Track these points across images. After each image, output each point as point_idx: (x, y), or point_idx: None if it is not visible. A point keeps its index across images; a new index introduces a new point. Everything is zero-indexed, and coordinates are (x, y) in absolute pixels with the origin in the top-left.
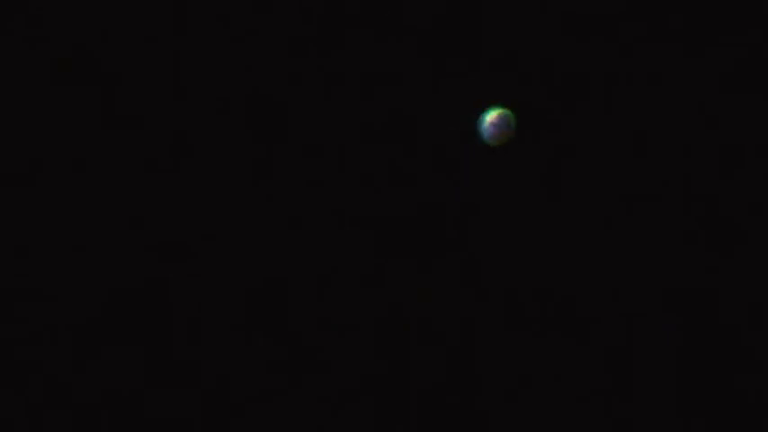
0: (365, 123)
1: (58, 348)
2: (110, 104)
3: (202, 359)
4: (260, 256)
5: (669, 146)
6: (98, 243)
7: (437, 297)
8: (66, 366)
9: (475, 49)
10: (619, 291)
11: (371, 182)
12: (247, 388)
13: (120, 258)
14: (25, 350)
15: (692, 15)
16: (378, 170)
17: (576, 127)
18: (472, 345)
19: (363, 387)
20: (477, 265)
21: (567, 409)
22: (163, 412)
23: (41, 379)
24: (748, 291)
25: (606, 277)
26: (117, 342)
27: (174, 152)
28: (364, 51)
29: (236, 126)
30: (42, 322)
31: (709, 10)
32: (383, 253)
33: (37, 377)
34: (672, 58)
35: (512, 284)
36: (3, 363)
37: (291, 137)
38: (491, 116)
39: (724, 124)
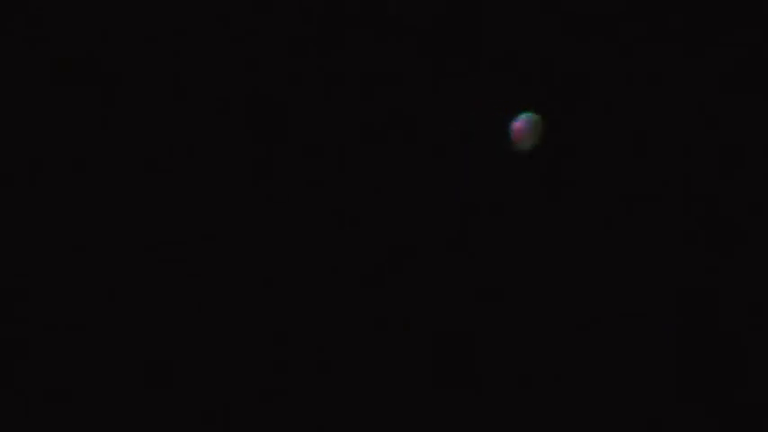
0: (365, 123)
1: (57, 348)
2: (110, 104)
3: (202, 359)
4: (260, 255)
5: (669, 146)
6: (98, 243)
7: (438, 297)
8: (66, 366)
9: (475, 49)
10: (619, 291)
11: (371, 182)
12: (247, 388)
13: (119, 258)
14: (25, 350)
15: (692, 15)
16: (378, 170)
17: (576, 127)
18: (472, 344)
19: (363, 387)
20: (477, 265)
21: (566, 409)
22: (162, 412)
23: (41, 379)
24: (748, 291)
25: (606, 277)
26: (117, 342)
27: (174, 152)
28: (364, 51)
29: (236, 126)
30: (42, 322)
31: (709, 10)
32: (383, 253)
33: (37, 377)
34: (672, 58)
35: (511, 284)
36: (3, 363)
37: (291, 137)
38: (520, 121)
39: (724, 124)
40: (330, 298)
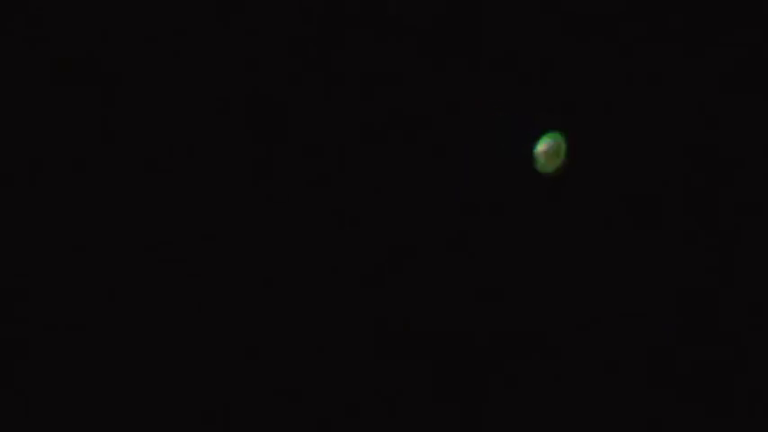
0: (365, 123)
1: (57, 348)
2: (110, 104)
3: (202, 359)
4: (260, 256)
5: (669, 146)
6: (98, 243)
7: (438, 297)
8: (65, 366)
9: (475, 49)
10: (619, 291)
11: (371, 182)
12: (246, 388)
13: (119, 258)
14: (25, 350)
15: (692, 15)
16: (378, 170)
17: (576, 127)
18: (472, 345)
19: (362, 387)
20: (477, 266)
21: (567, 409)
22: (161, 412)
23: (40, 379)
24: (748, 291)
25: (605, 277)
26: (117, 342)
27: (174, 152)
28: (364, 51)
29: (236, 126)
30: (42, 322)
31: (709, 10)
32: (383, 253)
33: (37, 377)
34: (672, 58)
35: (511, 284)
36: (3, 363)
37: (291, 137)
38: (543, 144)
39: (724, 124)
40: (330, 298)
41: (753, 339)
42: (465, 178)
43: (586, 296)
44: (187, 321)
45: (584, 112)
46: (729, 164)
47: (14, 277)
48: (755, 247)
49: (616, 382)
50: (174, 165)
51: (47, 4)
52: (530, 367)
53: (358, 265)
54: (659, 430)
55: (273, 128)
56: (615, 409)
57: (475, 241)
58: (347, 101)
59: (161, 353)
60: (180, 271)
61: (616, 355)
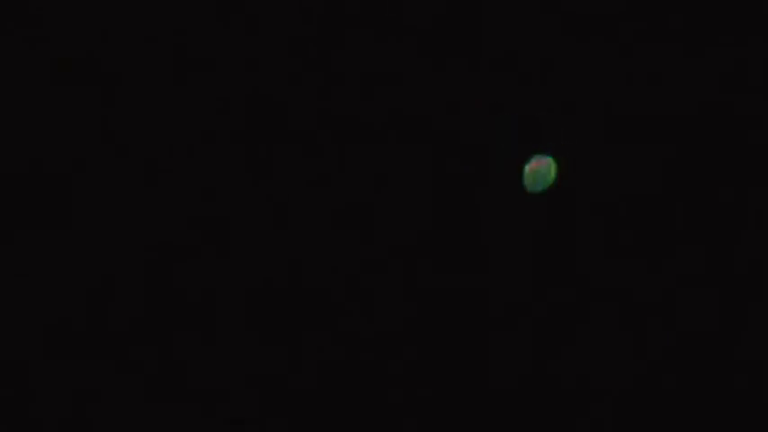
0: (365, 123)
1: (57, 348)
2: (110, 104)
3: (200, 359)
4: (259, 256)
5: (669, 146)
6: (98, 243)
7: (438, 296)
8: (66, 366)
9: (475, 49)
10: (618, 290)
11: (371, 182)
12: (246, 388)
13: (119, 258)
14: (25, 350)
15: (692, 15)
16: (378, 170)
17: (576, 127)
18: (472, 344)
19: (361, 388)
20: (476, 265)
21: (566, 409)
22: (162, 413)
23: (40, 379)
24: (748, 291)
25: (606, 277)
26: (117, 342)
27: (174, 152)
28: (364, 51)
29: (236, 126)
30: (41, 322)
31: (709, 10)
32: (383, 253)
33: (36, 377)
34: (672, 58)
35: (511, 284)
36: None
37: (291, 137)
38: (533, 163)
39: (724, 124)
40: (330, 297)
41: (753, 339)
42: (464, 177)
43: (585, 295)
44: (187, 320)
45: (584, 112)
46: (729, 164)
47: (14, 277)
48: (755, 246)
49: (616, 381)
50: (174, 164)
51: (47, 4)
52: (528, 367)
53: (357, 264)
54: (658, 430)
55: (273, 128)
56: (614, 408)
57: (474, 240)
58: (347, 101)
59: (161, 352)
60: (180, 271)
61: (616, 354)
